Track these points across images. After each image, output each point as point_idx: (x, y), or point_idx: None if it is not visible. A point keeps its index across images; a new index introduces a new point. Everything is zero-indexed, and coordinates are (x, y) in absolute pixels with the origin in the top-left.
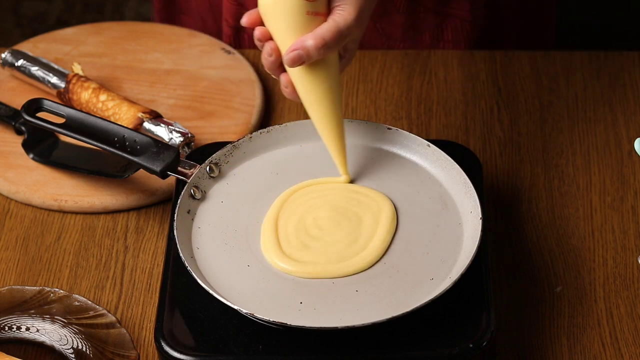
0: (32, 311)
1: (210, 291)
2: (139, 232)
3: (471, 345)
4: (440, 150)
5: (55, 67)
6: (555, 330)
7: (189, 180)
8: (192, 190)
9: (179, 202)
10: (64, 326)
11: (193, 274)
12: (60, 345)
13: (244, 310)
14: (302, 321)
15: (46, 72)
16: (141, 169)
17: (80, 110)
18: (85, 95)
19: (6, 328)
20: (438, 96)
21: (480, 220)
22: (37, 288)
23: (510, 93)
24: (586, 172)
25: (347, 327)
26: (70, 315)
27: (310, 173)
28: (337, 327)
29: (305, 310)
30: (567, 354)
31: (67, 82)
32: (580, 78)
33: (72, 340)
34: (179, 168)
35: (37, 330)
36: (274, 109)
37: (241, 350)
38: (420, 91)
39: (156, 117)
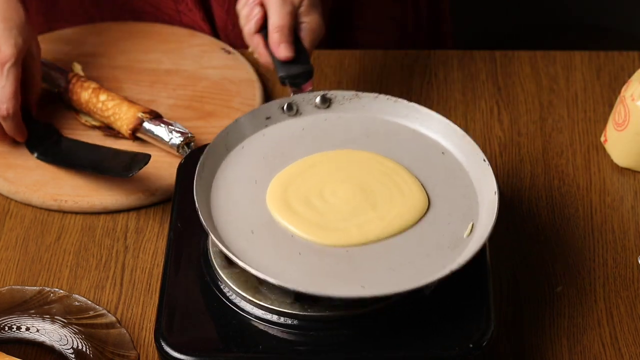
0: (32, 311)
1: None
2: (139, 232)
3: (471, 345)
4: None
5: (56, 67)
6: (555, 330)
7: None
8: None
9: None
10: (64, 326)
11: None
12: (60, 345)
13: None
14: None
15: (46, 72)
16: (146, 166)
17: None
18: (85, 95)
19: (6, 328)
20: (438, 96)
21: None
22: (37, 288)
23: (510, 93)
24: (586, 172)
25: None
26: (70, 315)
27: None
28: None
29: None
30: (567, 354)
31: (67, 82)
32: (580, 78)
33: (72, 340)
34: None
35: (37, 330)
36: None
37: (241, 350)
38: (420, 91)
39: (156, 117)
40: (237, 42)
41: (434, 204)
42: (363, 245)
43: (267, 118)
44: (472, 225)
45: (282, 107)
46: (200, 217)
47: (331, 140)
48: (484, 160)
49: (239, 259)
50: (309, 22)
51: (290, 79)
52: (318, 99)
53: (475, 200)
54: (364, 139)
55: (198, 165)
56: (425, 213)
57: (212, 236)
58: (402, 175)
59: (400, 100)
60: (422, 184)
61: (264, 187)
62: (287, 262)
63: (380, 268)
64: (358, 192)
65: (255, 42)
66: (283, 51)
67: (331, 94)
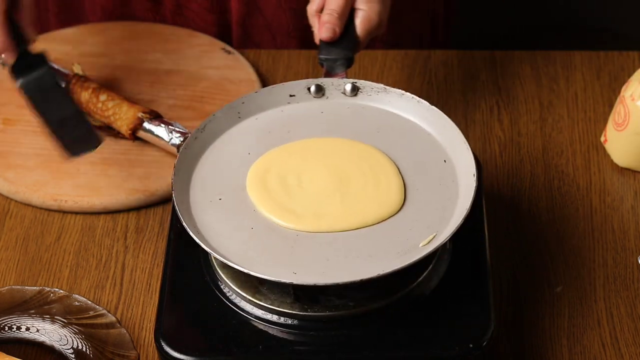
0: (32, 311)
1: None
2: (139, 232)
3: (471, 345)
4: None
5: (55, 67)
6: (555, 330)
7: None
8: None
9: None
10: (64, 326)
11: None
12: (60, 345)
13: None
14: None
15: None
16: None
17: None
18: (85, 95)
19: (6, 328)
20: (438, 96)
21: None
22: (37, 288)
23: (510, 93)
24: (586, 172)
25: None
26: (70, 315)
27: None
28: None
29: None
30: (567, 354)
31: (67, 82)
32: (580, 78)
33: (72, 340)
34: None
35: (37, 330)
36: None
37: (241, 350)
38: (420, 91)
39: (156, 117)
40: (252, 31)
41: (407, 208)
42: (315, 233)
43: (291, 96)
44: (434, 236)
45: (308, 88)
46: (173, 172)
47: (342, 128)
48: (474, 175)
49: (182, 214)
50: (366, 10)
51: (327, 62)
52: (348, 86)
53: (451, 214)
54: (374, 132)
55: (198, 126)
56: (393, 215)
57: (173, 190)
58: (388, 174)
59: (422, 101)
60: (405, 186)
61: (253, 160)
62: (235, 232)
63: (319, 258)
64: (334, 182)
65: (313, 22)
66: (324, 31)
67: (360, 83)
